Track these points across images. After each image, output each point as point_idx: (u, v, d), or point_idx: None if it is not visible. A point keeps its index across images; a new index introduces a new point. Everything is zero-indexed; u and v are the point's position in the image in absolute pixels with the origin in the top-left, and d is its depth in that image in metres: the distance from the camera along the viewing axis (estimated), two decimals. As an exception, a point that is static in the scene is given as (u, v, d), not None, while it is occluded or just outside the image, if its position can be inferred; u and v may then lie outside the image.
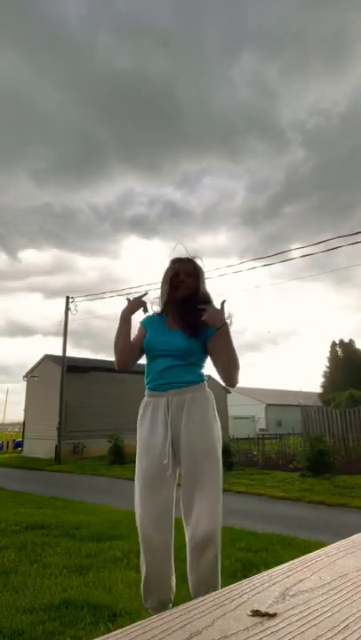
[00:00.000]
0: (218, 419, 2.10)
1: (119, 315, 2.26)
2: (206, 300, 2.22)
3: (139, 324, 2.31)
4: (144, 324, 2.28)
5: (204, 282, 2.27)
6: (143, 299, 2.30)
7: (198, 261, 2.27)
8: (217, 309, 2.08)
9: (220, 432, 2.11)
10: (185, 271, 2.21)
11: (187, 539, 1.95)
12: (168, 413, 2.02)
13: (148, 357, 2.20)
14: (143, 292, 2.33)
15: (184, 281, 2.19)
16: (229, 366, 2.07)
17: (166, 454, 1.97)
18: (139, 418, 2.13)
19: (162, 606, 1.96)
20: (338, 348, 44.88)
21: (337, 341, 44.55)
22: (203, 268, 2.28)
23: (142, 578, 1.99)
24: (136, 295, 2.33)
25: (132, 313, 2.26)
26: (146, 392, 2.17)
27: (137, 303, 2.28)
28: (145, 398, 2.15)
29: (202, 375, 2.14)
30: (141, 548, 1.97)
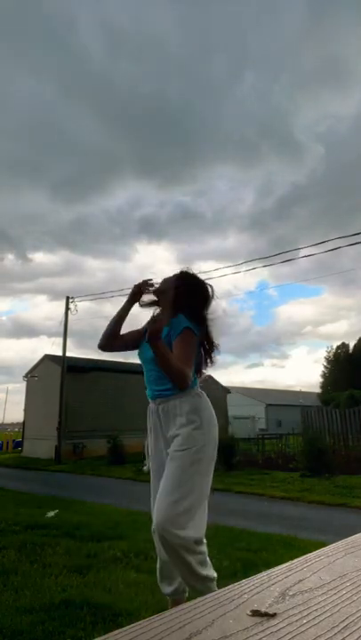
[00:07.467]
0: (198, 421, 2.00)
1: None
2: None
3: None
4: (145, 328, 2.24)
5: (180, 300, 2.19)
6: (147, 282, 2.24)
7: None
8: (158, 327, 1.88)
9: (199, 434, 1.99)
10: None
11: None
12: (158, 420, 2.11)
13: None
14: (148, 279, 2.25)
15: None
16: (168, 376, 1.99)
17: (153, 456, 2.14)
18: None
19: (176, 592, 2.02)
20: (339, 349, 44.89)
21: (338, 342, 44.67)
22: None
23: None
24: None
25: (134, 298, 2.26)
26: None
27: (137, 286, 2.25)
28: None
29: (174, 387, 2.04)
30: None
